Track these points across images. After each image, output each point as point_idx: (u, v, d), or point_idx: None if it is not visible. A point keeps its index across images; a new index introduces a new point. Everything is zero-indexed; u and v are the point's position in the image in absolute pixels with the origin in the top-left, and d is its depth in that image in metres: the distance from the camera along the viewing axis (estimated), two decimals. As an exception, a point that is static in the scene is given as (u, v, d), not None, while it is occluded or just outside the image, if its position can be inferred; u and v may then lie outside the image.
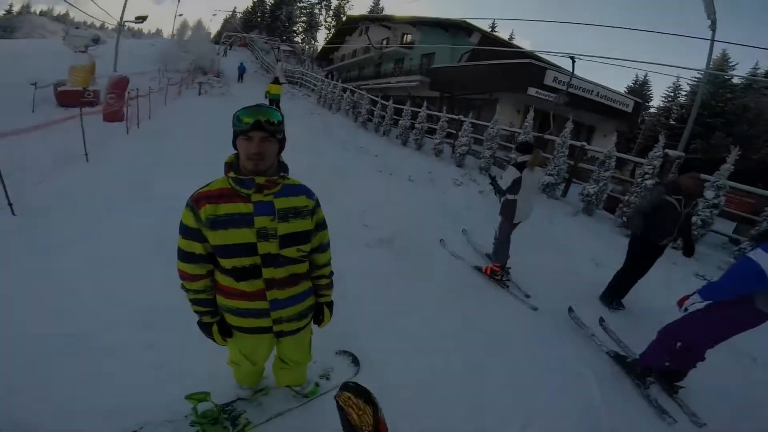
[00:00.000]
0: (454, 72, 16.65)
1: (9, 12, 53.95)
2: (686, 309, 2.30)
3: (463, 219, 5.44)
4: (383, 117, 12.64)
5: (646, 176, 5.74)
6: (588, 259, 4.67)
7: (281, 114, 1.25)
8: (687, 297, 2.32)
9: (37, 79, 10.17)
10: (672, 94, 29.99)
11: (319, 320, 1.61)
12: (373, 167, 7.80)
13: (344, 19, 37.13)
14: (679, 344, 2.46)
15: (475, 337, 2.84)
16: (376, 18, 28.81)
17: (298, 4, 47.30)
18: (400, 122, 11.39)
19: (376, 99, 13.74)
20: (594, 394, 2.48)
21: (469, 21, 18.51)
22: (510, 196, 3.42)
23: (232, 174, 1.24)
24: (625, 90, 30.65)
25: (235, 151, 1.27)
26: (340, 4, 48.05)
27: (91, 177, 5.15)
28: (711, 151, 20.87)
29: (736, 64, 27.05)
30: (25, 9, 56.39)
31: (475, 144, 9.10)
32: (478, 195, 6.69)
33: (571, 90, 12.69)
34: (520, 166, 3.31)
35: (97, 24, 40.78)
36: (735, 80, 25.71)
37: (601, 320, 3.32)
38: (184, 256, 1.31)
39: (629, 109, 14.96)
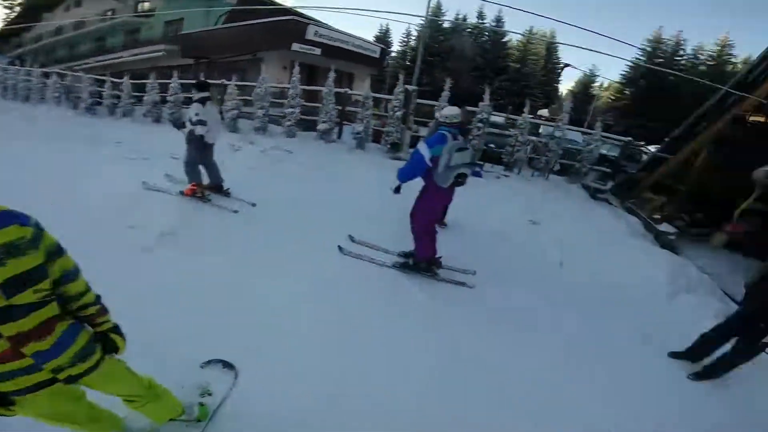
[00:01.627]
0: (211, 35, 14.82)
1: None
2: (391, 189, 3.08)
3: (249, 180, 5.09)
4: (118, 97, 10.14)
5: (395, 108, 6.98)
6: (373, 183, 5.22)
7: None
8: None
9: None
10: (406, 40, 36.31)
11: (112, 349, 1.36)
12: (121, 156, 6.12)
13: None
14: (436, 233, 3.21)
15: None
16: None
17: None
18: (144, 98, 9.45)
19: (103, 78, 10.95)
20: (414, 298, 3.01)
21: None
22: (199, 128, 3.95)
23: None
24: (373, 38, 35.06)
25: None
26: None
27: None
28: (434, 83, 26.70)
29: (447, 11, 35.58)
30: None
31: (245, 107, 8.46)
32: (259, 155, 6.37)
33: (330, 42, 13.40)
34: (203, 101, 3.94)
35: None
36: (445, 24, 33.40)
37: (351, 238, 3.77)
38: None
39: (377, 55, 17.14)
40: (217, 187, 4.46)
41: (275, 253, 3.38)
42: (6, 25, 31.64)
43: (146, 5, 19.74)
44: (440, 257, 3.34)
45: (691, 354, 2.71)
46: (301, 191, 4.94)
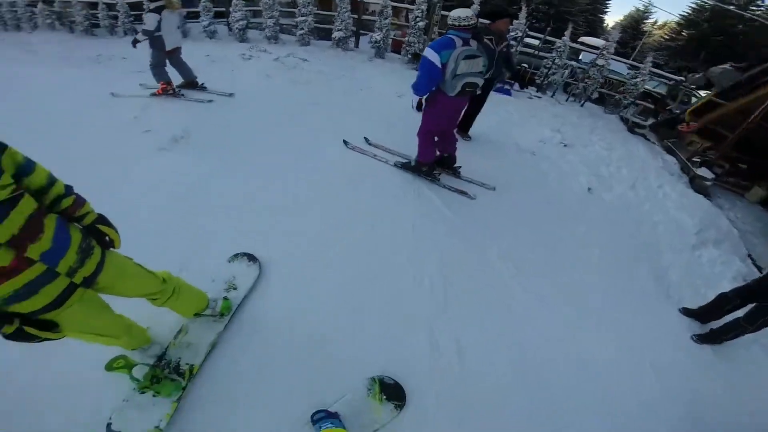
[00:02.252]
0: None
1: None
2: (413, 107, 2.85)
3: (265, 86, 4.94)
4: (116, 17, 9.33)
5: (418, 19, 6.29)
6: (392, 93, 5.09)
7: None
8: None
9: None
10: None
11: (107, 243, 1.32)
12: (128, 69, 5.76)
13: None
14: (435, 138, 3.06)
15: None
16: None
17: None
18: (143, 15, 8.51)
19: None
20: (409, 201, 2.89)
21: None
22: (157, 34, 4.17)
23: None
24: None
25: None
26: None
27: None
28: None
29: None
30: None
31: (254, 17, 7.75)
32: (273, 63, 5.91)
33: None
34: (158, 10, 4.04)
35: None
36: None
37: (367, 140, 3.73)
38: None
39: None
40: (191, 83, 4.73)
41: (287, 152, 3.35)
42: None
43: None
44: (459, 167, 3.31)
45: (702, 314, 2.46)
46: (320, 96, 4.74)
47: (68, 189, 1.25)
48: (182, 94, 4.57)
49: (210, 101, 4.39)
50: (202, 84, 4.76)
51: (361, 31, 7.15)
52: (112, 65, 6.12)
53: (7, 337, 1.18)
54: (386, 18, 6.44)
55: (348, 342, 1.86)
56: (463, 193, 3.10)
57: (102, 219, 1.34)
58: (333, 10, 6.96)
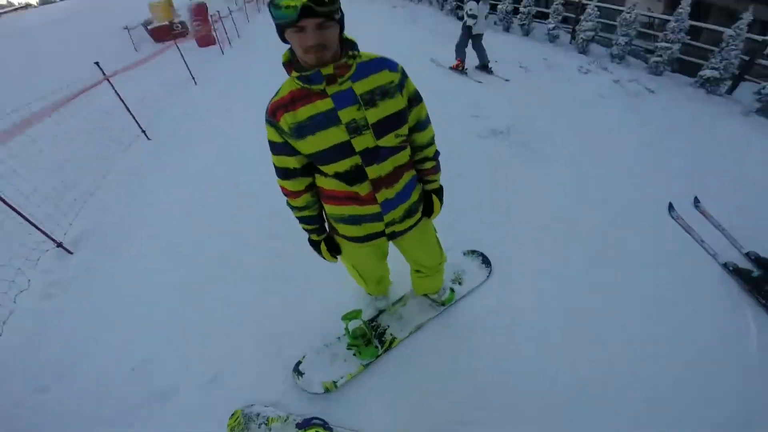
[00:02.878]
0: None
1: None
2: None
3: (595, 109, 4.60)
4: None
5: None
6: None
7: None
8: None
9: (125, 22, 11.69)
10: None
11: (428, 211, 1.42)
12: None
13: None
14: None
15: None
16: None
17: None
18: (498, 7, 9.54)
19: None
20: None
21: None
22: (469, 20, 5.38)
23: (295, 73, 1.03)
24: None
25: (288, 46, 1.02)
26: None
27: (203, 96, 5.94)
28: None
29: None
30: None
31: (602, 30, 7.35)
32: (612, 84, 5.41)
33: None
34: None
35: None
36: None
37: (696, 202, 2.81)
38: (280, 172, 1.21)
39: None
40: (483, 66, 5.84)
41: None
42: None
43: None
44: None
45: None
46: (653, 134, 3.99)
47: (436, 154, 1.35)
48: (466, 73, 5.74)
49: (479, 82, 5.36)
50: (490, 67, 5.77)
51: (747, 77, 5.56)
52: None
53: (312, 243, 1.42)
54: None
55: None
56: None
57: (440, 190, 1.42)
58: (710, 43, 5.80)
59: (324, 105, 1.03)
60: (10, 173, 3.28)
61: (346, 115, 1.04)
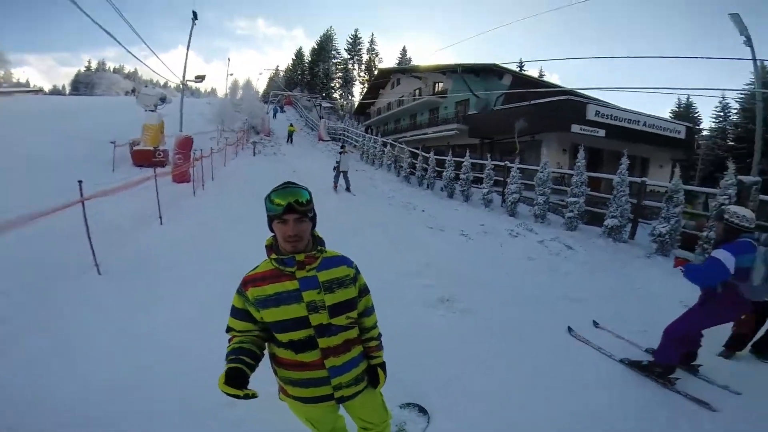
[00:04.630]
0: (492, 117, 16.68)
1: (88, 69, 63.13)
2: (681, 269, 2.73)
3: (525, 270, 5.42)
4: (425, 170, 12.82)
5: (724, 205, 5.30)
6: (675, 301, 4.19)
7: (309, 192, 1.33)
8: (681, 261, 2.79)
9: (114, 135, 11.05)
10: (722, 114, 28.10)
11: (374, 383, 1.59)
12: (423, 223, 7.82)
13: (376, 72, 39.66)
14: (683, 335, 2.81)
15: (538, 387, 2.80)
16: (405, 69, 30.40)
17: (333, 61, 51.25)
18: (443, 173, 11.43)
19: (416, 151, 14.02)
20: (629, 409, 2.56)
21: (499, 64, 19.10)
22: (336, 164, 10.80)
23: (273, 256, 1.35)
24: (670, 115, 29.32)
25: (272, 234, 1.36)
26: (370, 57, 51.82)
27: (165, 239, 5.52)
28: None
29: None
30: (101, 65, 64.94)
31: (525, 190, 9.01)
32: (537, 245, 6.55)
33: (616, 122, 12.52)
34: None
35: (161, 82, 44.10)
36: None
37: (595, 323, 3.73)
38: (230, 330, 1.40)
39: (682, 135, 14.33)
40: (347, 189, 10.70)
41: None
42: (361, 99, 40.55)
43: (440, 86, 23.46)
44: (700, 365, 2.95)
45: None
46: (580, 290, 4.67)
47: (379, 335, 1.62)
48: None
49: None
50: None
51: (641, 220, 6.83)
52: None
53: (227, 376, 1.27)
54: (676, 205, 5.81)
55: None
56: (702, 403, 2.55)
57: (383, 365, 1.62)
58: (604, 191, 7.17)
59: (291, 285, 1.32)
60: None
61: (308, 296, 1.32)
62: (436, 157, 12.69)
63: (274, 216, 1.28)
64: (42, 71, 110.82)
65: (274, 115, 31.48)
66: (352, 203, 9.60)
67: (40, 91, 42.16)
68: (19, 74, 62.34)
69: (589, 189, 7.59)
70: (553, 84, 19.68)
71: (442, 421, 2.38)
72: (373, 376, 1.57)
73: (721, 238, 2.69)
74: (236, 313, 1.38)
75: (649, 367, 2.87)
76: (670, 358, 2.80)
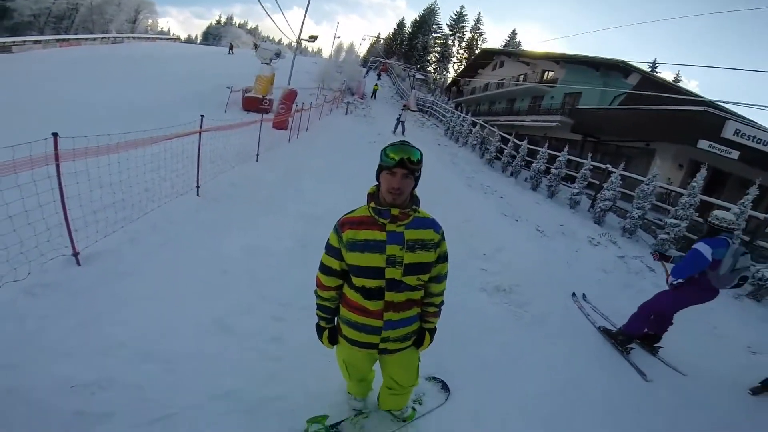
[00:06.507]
0: (605, 115, 15.03)
1: (218, 22, 74.12)
2: (672, 284, 3.17)
3: (594, 283, 4.95)
4: (513, 156, 12.37)
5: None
6: (742, 345, 3.97)
7: (421, 153, 1.36)
8: (657, 255, 3.56)
9: (232, 83, 13.48)
10: None
11: (419, 344, 1.66)
12: (498, 210, 7.46)
13: (477, 51, 38.15)
14: (652, 316, 3.36)
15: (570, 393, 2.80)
16: (513, 53, 28.52)
17: (433, 35, 50.64)
18: (533, 165, 10.78)
19: (508, 137, 13.44)
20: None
21: (627, 61, 16.77)
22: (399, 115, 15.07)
23: (372, 204, 1.41)
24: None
25: (377, 183, 1.44)
26: (473, 36, 49.80)
27: (257, 174, 6.41)
28: None
29: None
30: (229, 20, 75.84)
31: (620, 200, 8.30)
32: (617, 259, 5.87)
33: (757, 146, 10.56)
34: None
35: (276, 39, 51.70)
36: None
37: (584, 296, 4.36)
38: (324, 268, 1.53)
39: None
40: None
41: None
42: (456, 75, 41.54)
43: (550, 74, 21.99)
44: (660, 347, 3.44)
45: None
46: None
47: (440, 304, 1.65)
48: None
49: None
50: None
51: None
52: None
53: (318, 327, 1.68)
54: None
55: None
56: (640, 372, 3.12)
57: (434, 330, 1.69)
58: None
59: (380, 235, 1.38)
60: (83, 172, 3.25)
61: (391, 249, 1.38)
62: (528, 146, 12.12)
63: (385, 167, 1.34)
64: (180, 21, 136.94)
65: (366, 74, 34.14)
66: (433, 176, 9.54)
67: (177, 39, 48.84)
68: (163, 23, 77.54)
69: (697, 214, 6.76)
70: (690, 91, 16.77)
71: (457, 405, 2.36)
72: (421, 337, 1.65)
73: (704, 235, 3.13)
74: (330, 250, 1.49)
75: (615, 334, 3.51)
76: (632, 329, 3.39)
